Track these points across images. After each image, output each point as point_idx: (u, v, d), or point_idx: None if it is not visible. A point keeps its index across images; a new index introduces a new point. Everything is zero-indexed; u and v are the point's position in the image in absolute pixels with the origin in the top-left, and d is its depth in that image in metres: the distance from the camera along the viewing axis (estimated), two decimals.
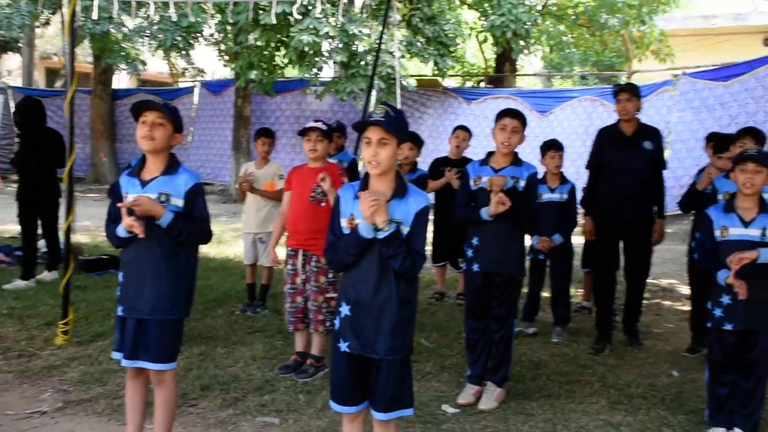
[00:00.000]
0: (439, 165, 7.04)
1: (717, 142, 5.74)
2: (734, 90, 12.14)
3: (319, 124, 5.09)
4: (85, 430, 4.20)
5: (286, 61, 13.81)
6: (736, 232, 3.97)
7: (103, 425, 4.22)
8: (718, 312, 4.08)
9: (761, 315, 3.94)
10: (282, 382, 4.95)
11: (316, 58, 12.91)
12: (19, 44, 22.27)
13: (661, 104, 13.07)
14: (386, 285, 3.13)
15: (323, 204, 4.94)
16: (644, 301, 7.47)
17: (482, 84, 17.92)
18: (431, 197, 6.94)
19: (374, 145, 3.09)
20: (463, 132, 7.18)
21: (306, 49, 12.39)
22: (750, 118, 11.48)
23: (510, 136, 4.55)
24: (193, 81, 20.00)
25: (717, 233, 4.03)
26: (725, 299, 4.02)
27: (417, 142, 6.78)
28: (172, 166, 3.62)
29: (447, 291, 7.47)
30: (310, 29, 12.09)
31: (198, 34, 16.58)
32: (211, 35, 17.24)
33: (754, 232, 3.92)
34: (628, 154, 5.75)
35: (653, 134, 5.89)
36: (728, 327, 4.04)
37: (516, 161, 4.66)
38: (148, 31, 15.32)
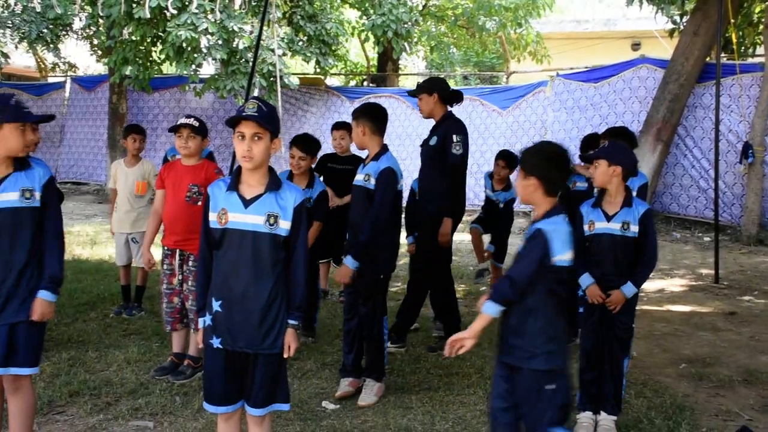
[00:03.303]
0: (327, 161, 6.97)
1: (583, 144, 6.03)
2: (604, 91, 12.75)
3: (190, 120, 4.99)
4: None
5: (163, 56, 13.48)
6: (601, 225, 4.12)
7: None
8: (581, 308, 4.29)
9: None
10: (158, 385, 4.84)
11: (195, 55, 12.64)
12: None
13: (538, 104, 13.56)
14: (259, 278, 3.12)
15: (199, 203, 4.85)
16: None
17: (366, 83, 18.06)
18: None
19: (248, 139, 3.09)
20: (341, 130, 7.11)
21: (184, 45, 12.13)
22: (619, 118, 12.11)
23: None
24: (64, 76, 19.16)
25: (585, 227, 4.17)
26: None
27: (311, 148, 5.77)
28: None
29: (330, 289, 7.46)
30: (188, 24, 11.84)
31: (67, 27, 15.92)
32: (83, 29, 16.59)
33: (615, 226, 4.08)
34: (422, 150, 5.86)
35: (443, 129, 5.66)
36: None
37: None
38: (10, 22, 14.55)
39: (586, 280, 4.12)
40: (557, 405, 3.08)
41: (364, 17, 15.01)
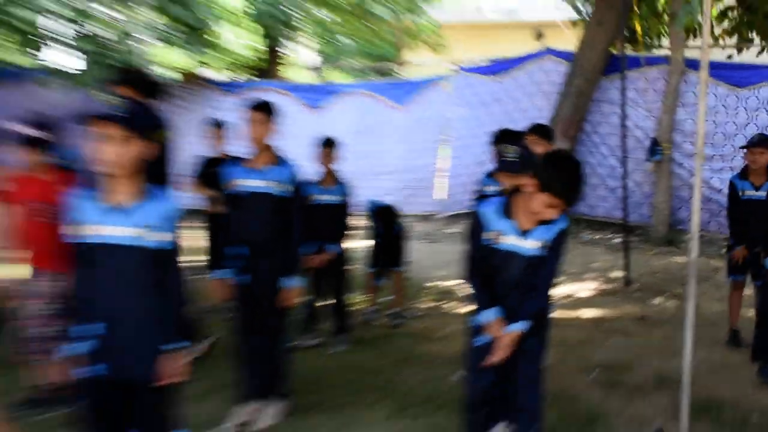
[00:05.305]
0: (211, 165, 7.01)
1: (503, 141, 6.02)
2: (508, 86, 13.00)
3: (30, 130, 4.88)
4: None
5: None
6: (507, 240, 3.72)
7: None
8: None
9: None
10: (23, 419, 4.70)
11: (37, 40, 12.11)
12: None
13: (437, 98, 13.62)
14: (142, 295, 3.15)
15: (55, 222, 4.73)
16: (427, 305, 7.96)
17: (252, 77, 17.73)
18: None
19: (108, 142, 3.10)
20: (217, 127, 7.35)
21: (24, 28, 11.57)
22: (523, 114, 12.32)
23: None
24: None
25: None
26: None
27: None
28: None
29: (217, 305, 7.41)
30: (29, 4, 11.33)
31: None
32: None
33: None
34: None
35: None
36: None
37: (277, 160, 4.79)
38: None
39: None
40: None
41: (251, 6, 14.84)
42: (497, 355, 3.63)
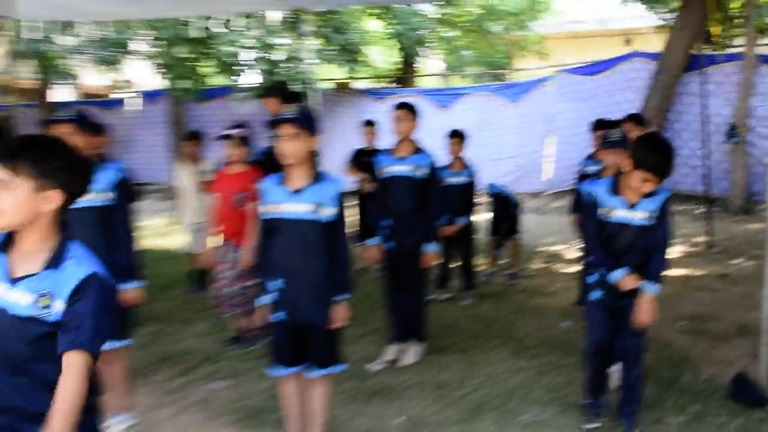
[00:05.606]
0: (362, 155, 7.17)
1: (602, 128, 5.72)
2: (602, 83, 12.56)
3: (234, 131, 5.01)
4: None
5: (209, 70, 13.61)
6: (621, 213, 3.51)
7: None
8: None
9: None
10: (228, 353, 4.95)
11: (236, 67, 12.76)
12: None
13: (543, 96, 13.37)
14: (316, 257, 3.18)
15: (247, 207, 4.87)
16: (538, 266, 7.80)
17: (393, 85, 17.96)
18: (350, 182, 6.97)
19: (285, 139, 3.13)
20: (369, 126, 7.41)
21: (227, 59, 12.24)
22: (616, 107, 11.87)
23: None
24: (130, 92, 19.31)
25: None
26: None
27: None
28: None
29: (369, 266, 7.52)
30: (230, 41, 11.94)
31: (127, 50, 16.03)
32: (140, 51, 16.69)
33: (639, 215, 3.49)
34: None
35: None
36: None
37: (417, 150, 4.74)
38: (84, 49, 14.73)
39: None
40: None
41: (390, 27, 14.99)
42: (645, 318, 3.47)
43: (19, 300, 1.85)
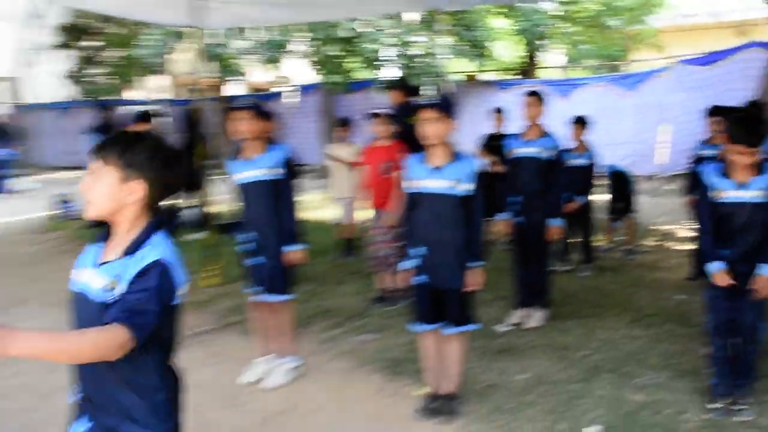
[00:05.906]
0: (492, 140, 7.06)
1: (718, 115, 5.31)
2: (717, 73, 11.59)
3: (382, 110, 5.18)
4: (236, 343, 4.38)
5: (355, 66, 13.84)
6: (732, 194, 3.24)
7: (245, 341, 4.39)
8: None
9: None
10: (374, 310, 5.07)
11: (378, 63, 12.91)
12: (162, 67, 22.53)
13: (658, 86, 12.59)
14: (453, 228, 3.18)
15: (392, 174, 4.95)
16: (651, 243, 7.38)
17: (517, 76, 17.53)
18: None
19: (426, 122, 3.15)
20: (498, 113, 7.31)
21: (369, 56, 12.39)
22: (731, 95, 10.92)
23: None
24: (289, 85, 20.02)
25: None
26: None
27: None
28: None
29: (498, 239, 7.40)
30: (374, 40, 12.08)
31: (285, 50, 16.64)
32: (292, 51, 17.26)
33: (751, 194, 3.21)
34: None
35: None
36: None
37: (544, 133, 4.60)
38: (253, 50, 15.43)
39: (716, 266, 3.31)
40: None
41: (516, 24, 14.62)
42: (763, 294, 3.21)
43: (95, 284, 1.69)
